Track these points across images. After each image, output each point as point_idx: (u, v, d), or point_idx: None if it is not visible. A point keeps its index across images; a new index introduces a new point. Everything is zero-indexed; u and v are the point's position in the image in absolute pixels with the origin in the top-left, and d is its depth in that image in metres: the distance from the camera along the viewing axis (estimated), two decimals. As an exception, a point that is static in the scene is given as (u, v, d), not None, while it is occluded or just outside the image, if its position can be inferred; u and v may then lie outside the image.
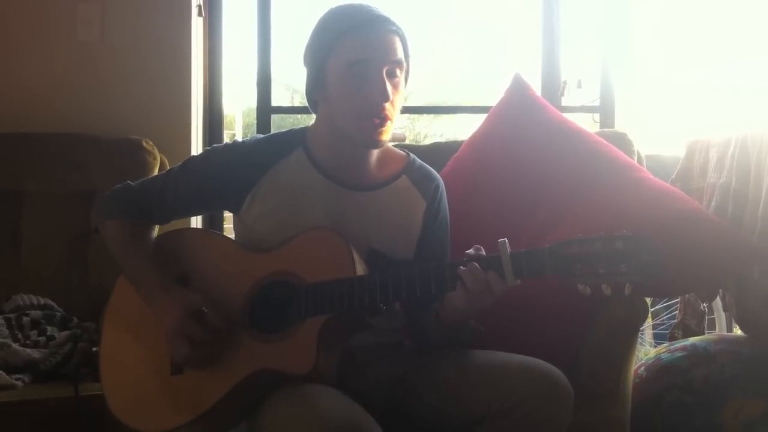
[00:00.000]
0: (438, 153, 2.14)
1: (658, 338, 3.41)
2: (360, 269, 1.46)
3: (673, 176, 2.26)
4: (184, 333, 1.47)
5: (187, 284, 1.57)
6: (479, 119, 2.21)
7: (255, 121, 2.84)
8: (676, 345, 2.16)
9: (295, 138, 1.65)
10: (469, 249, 1.44)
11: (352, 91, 1.51)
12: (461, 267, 1.39)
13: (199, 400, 1.46)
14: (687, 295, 2.23)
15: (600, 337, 1.81)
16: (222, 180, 1.61)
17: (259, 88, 2.79)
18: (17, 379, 1.85)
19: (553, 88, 2.78)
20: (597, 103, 2.81)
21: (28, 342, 1.99)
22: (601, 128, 2.72)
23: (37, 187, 2.30)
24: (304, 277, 1.48)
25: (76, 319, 2.11)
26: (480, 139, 2.13)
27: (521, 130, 2.07)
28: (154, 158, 2.34)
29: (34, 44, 2.55)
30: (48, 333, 2.02)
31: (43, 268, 2.25)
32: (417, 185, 1.67)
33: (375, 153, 1.64)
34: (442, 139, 2.45)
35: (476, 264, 1.38)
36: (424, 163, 1.72)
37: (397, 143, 1.94)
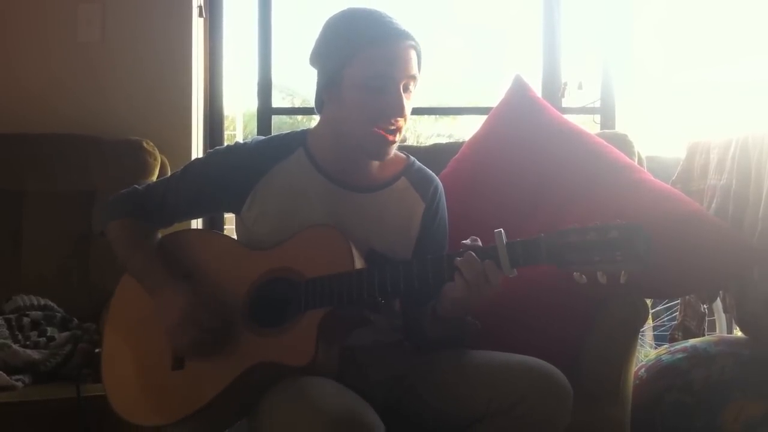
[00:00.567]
0: (438, 154, 2.14)
1: (659, 339, 3.41)
2: (359, 264, 1.48)
3: (674, 178, 2.26)
4: (190, 319, 1.49)
5: (189, 281, 1.59)
6: (480, 120, 2.21)
7: (255, 123, 2.84)
8: (676, 346, 2.16)
9: (295, 139, 1.67)
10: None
11: (369, 102, 1.53)
12: (458, 258, 1.41)
13: (199, 394, 1.47)
14: (687, 297, 2.23)
15: (600, 338, 1.81)
16: (223, 181, 1.63)
17: (260, 89, 2.79)
18: (17, 380, 1.85)
19: (553, 89, 2.78)
20: (597, 104, 2.81)
21: (28, 343, 1.99)
22: (601, 129, 2.72)
23: (38, 187, 2.30)
24: (304, 272, 1.49)
25: (76, 320, 2.11)
26: (480, 140, 2.14)
27: (522, 131, 2.07)
28: (155, 159, 2.35)
29: (34, 45, 2.55)
30: (48, 334, 2.02)
31: (43, 268, 2.26)
32: (416, 187, 1.68)
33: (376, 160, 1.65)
34: (443, 140, 2.45)
35: (473, 253, 1.40)
36: (423, 166, 1.73)
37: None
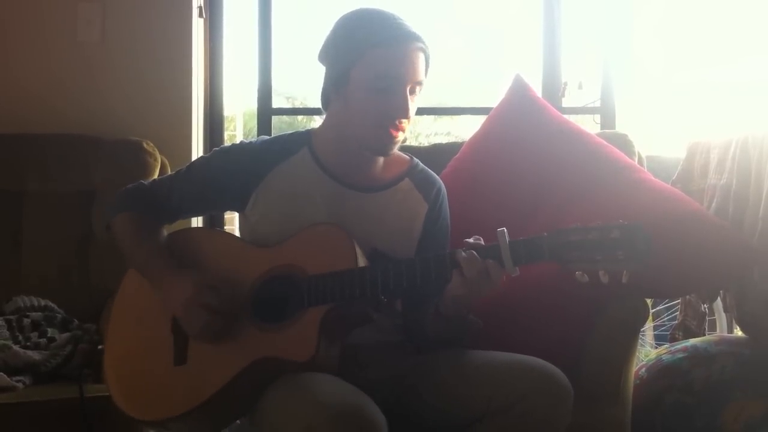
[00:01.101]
0: (438, 154, 2.14)
1: (659, 339, 3.41)
2: (362, 263, 1.49)
3: (674, 177, 2.26)
4: (199, 301, 1.49)
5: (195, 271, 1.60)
6: (480, 120, 2.21)
7: (255, 123, 2.84)
8: (676, 346, 2.16)
9: (300, 139, 1.68)
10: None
11: (375, 102, 1.55)
12: (462, 254, 1.42)
13: (201, 389, 1.47)
14: (688, 297, 2.23)
15: (600, 338, 1.81)
16: (227, 179, 1.64)
17: (260, 89, 2.79)
18: (17, 381, 1.85)
19: (553, 89, 2.78)
20: (598, 104, 2.81)
21: (28, 344, 1.99)
22: (601, 129, 2.72)
23: (38, 187, 2.30)
24: (307, 269, 1.50)
25: (76, 321, 2.11)
26: (480, 140, 2.13)
27: (522, 131, 2.07)
28: (155, 159, 2.34)
29: (34, 44, 2.55)
30: (48, 335, 2.02)
31: (43, 269, 2.25)
32: (419, 188, 1.70)
33: (380, 157, 1.66)
34: (443, 140, 2.45)
35: (474, 252, 1.41)
36: (426, 167, 1.75)
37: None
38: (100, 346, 1.83)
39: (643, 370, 2.14)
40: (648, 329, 3.47)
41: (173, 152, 2.43)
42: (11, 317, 2.05)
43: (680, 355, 2.09)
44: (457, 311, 1.51)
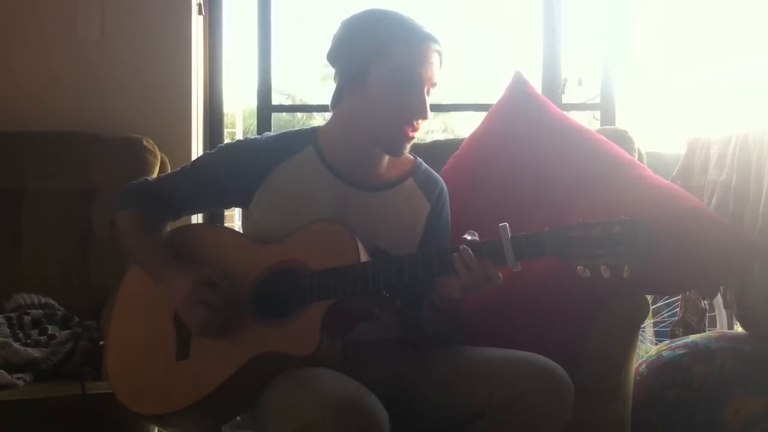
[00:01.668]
0: (438, 151, 2.14)
1: (659, 336, 3.42)
2: (364, 259, 1.49)
3: (674, 174, 2.26)
4: (200, 299, 1.50)
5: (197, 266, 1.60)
6: (480, 117, 2.21)
7: (255, 120, 2.84)
8: (677, 342, 2.17)
9: (306, 136, 1.69)
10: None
11: (393, 100, 1.56)
12: (458, 255, 1.42)
13: (203, 384, 1.48)
14: (688, 293, 2.23)
15: (600, 335, 1.82)
16: (231, 176, 1.65)
17: (260, 86, 2.79)
18: (18, 378, 1.85)
19: (553, 85, 2.78)
20: (598, 100, 2.81)
21: (29, 341, 1.99)
22: (601, 126, 2.72)
23: (38, 185, 2.30)
24: (309, 265, 1.51)
25: (77, 318, 2.11)
26: (480, 136, 2.13)
27: (522, 127, 2.07)
28: (155, 157, 2.34)
29: (33, 42, 2.55)
30: (49, 332, 2.02)
31: (43, 267, 2.25)
32: (422, 188, 1.71)
33: (386, 155, 1.67)
34: (443, 137, 2.45)
35: (471, 253, 1.41)
36: (429, 167, 1.76)
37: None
38: (101, 342, 1.83)
39: (644, 366, 2.14)
40: (648, 326, 3.47)
41: (173, 150, 2.43)
42: (11, 314, 2.05)
43: (680, 352, 2.09)
44: (450, 302, 1.52)
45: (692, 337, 2.16)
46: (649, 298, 1.91)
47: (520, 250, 1.39)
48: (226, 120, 2.89)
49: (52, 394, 1.80)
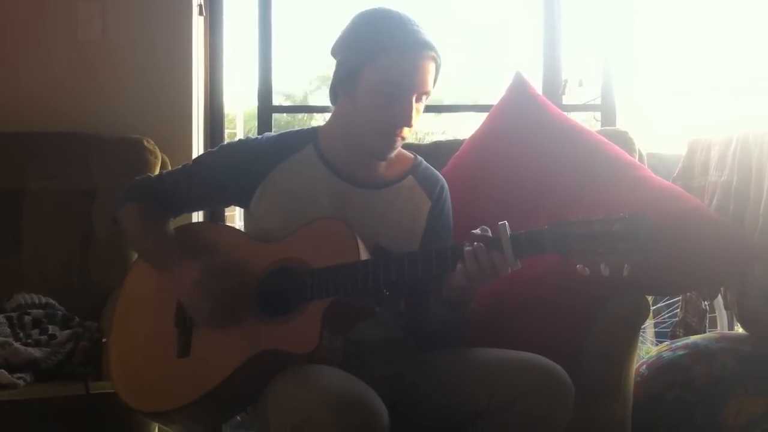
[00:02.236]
0: (439, 151, 2.14)
1: (660, 336, 3.42)
2: (365, 256, 1.50)
3: (675, 174, 2.26)
4: (204, 288, 1.51)
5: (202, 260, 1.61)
6: (480, 118, 2.21)
7: (256, 121, 2.84)
8: (677, 343, 2.16)
9: (306, 136, 1.70)
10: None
11: (379, 105, 1.57)
12: (466, 248, 1.42)
13: (204, 381, 1.48)
14: (688, 294, 2.22)
15: (601, 335, 1.82)
16: (232, 175, 1.66)
17: (260, 87, 2.79)
18: (18, 378, 1.85)
19: (554, 86, 2.77)
20: (598, 101, 2.81)
21: (29, 341, 1.99)
22: (602, 127, 2.72)
23: (39, 185, 2.30)
24: (311, 263, 1.51)
25: (77, 318, 2.11)
26: (481, 137, 2.13)
27: (522, 128, 2.07)
28: (156, 157, 2.35)
29: (34, 43, 2.55)
30: (49, 332, 2.02)
31: (44, 267, 2.25)
32: (423, 186, 1.71)
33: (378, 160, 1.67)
34: (443, 138, 2.45)
35: (482, 244, 1.41)
36: (430, 165, 1.76)
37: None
38: (104, 339, 1.84)
39: (644, 367, 2.14)
40: (649, 326, 3.47)
41: (174, 150, 2.43)
42: (12, 314, 2.05)
43: (681, 352, 2.09)
44: (460, 297, 1.52)
45: (693, 338, 2.16)
46: (650, 298, 1.91)
47: (520, 248, 1.39)
48: (227, 120, 2.88)
49: (53, 394, 1.80)
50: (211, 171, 1.68)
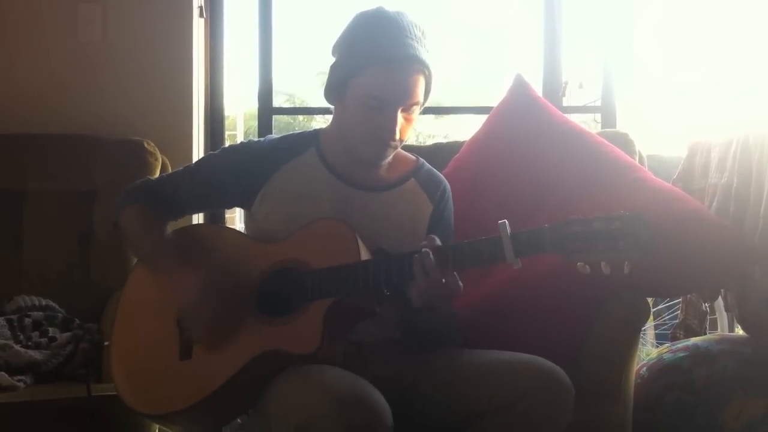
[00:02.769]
0: (439, 153, 2.14)
1: (660, 338, 3.42)
2: (365, 256, 1.50)
3: (675, 176, 2.26)
4: (206, 295, 1.51)
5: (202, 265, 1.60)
6: (480, 120, 2.21)
7: (256, 122, 2.84)
8: (677, 345, 2.16)
9: (308, 138, 1.71)
10: None
11: (365, 118, 1.58)
12: (425, 251, 1.42)
13: (205, 383, 1.48)
14: (689, 295, 2.23)
15: (601, 337, 1.81)
16: (234, 178, 1.66)
17: (261, 88, 2.79)
18: (19, 381, 1.85)
19: (554, 88, 2.78)
20: (598, 103, 2.81)
21: (29, 343, 1.99)
22: (602, 128, 2.72)
23: (39, 187, 2.30)
24: (311, 263, 1.52)
25: (77, 321, 2.11)
26: (481, 139, 2.14)
27: (522, 130, 2.07)
28: (156, 159, 2.35)
29: (35, 45, 2.55)
30: (50, 334, 2.02)
31: (44, 269, 2.25)
32: (424, 188, 1.71)
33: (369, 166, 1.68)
34: (444, 140, 2.45)
35: (430, 254, 1.42)
36: (432, 167, 1.76)
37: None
38: (106, 343, 1.84)
39: (644, 369, 2.14)
40: (649, 328, 3.47)
41: (174, 152, 2.43)
42: (12, 317, 2.05)
43: (681, 354, 2.09)
44: (427, 303, 1.50)
45: (693, 340, 2.16)
46: (650, 300, 1.91)
47: (520, 247, 1.39)
48: (227, 122, 2.89)
49: (54, 396, 1.80)
50: (211, 174, 1.69)
